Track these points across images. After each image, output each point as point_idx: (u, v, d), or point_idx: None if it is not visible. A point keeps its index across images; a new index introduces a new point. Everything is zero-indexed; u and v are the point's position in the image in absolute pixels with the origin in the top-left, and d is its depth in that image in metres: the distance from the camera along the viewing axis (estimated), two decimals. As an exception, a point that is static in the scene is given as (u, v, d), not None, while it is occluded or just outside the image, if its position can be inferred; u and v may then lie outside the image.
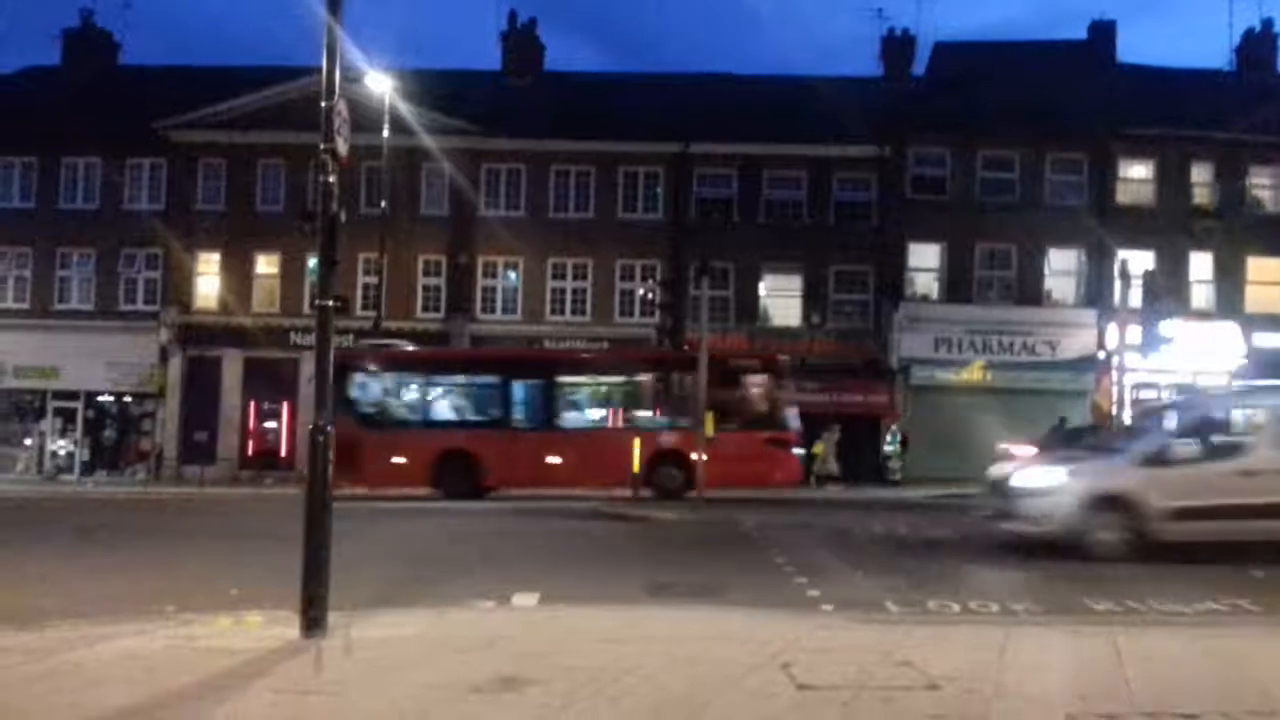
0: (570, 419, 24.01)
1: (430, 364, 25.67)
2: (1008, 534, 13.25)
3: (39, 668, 6.38)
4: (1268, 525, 12.14)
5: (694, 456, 20.89)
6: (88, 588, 10.22)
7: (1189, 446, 12.65)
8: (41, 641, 7.14)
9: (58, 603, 9.00)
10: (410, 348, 25.93)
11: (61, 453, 32.78)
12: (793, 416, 23.51)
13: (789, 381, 24.13)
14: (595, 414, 24.49)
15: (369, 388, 24.42)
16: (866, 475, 28.94)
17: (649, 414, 23.88)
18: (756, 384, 23.49)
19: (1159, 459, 12.60)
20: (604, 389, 24.81)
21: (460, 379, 25.14)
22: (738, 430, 22.16)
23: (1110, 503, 12.30)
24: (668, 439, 22.74)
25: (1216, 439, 12.99)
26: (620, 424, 23.86)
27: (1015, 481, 13.62)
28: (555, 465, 22.75)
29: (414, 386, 24.84)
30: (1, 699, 5.67)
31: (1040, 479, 13.14)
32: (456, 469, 22.80)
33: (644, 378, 24.33)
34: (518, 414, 24.13)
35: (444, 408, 24.79)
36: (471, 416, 24.45)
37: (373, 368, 24.58)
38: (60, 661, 6.53)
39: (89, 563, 12.19)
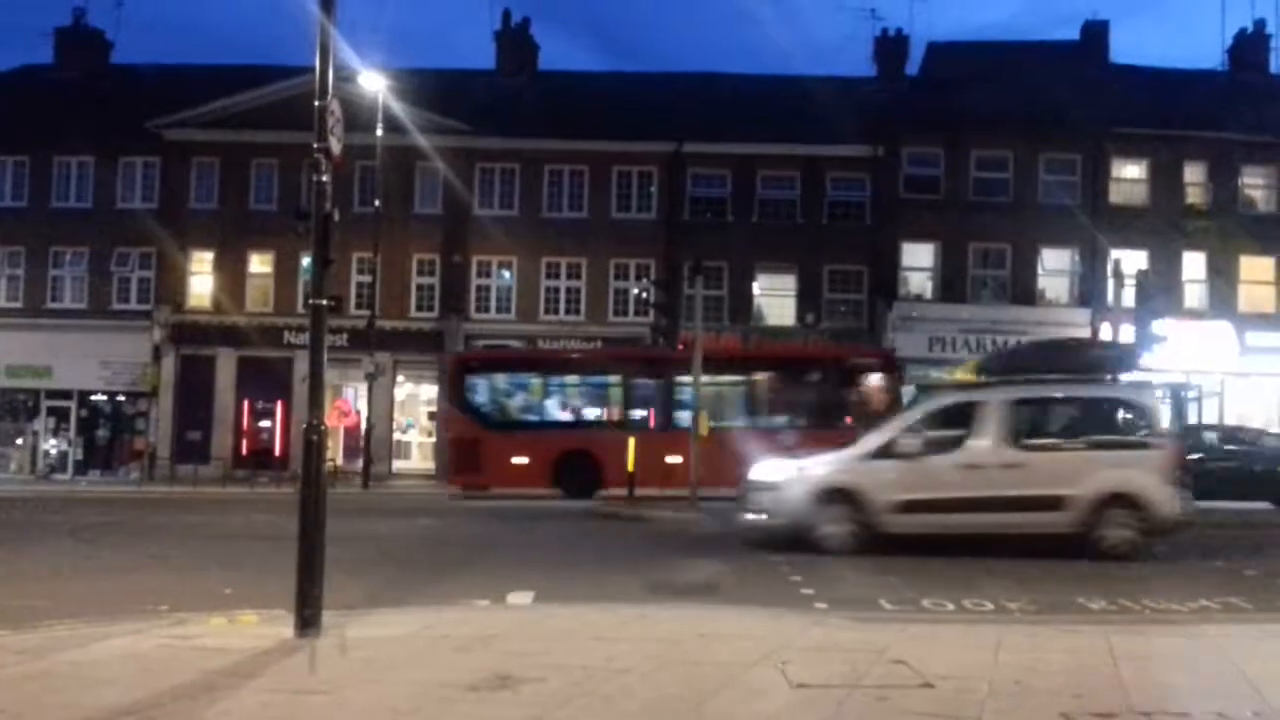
0: (690, 419, 23.95)
1: (550, 364, 25.72)
2: (746, 526, 13.46)
3: (33, 668, 6.36)
4: (990, 518, 12.36)
5: None
6: (82, 587, 10.21)
7: (913, 440, 12.87)
8: (35, 641, 7.13)
9: (51, 602, 8.99)
10: (517, 346, 25.97)
11: (54, 452, 32.70)
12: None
13: (903, 376, 24.23)
14: (717, 414, 24.08)
15: (490, 389, 24.59)
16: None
17: (770, 413, 23.88)
18: (873, 381, 23.60)
19: (885, 452, 12.84)
20: (724, 389, 24.67)
21: (580, 379, 25.15)
22: (855, 428, 22.19)
23: (837, 495, 12.57)
24: (787, 439, 22.71)
25: (941, 433, 13.17)
26: (738, 424, 23.66)
27: (752, 475, 13.81)
28: (675, 465, 22.44)
29: (534, 387, 24.89)
30: (-5, 699, 5.65)
31: (773, 472, 13.37)
32: (577, 469, 22.90)
33: (762, 377, 24.26)
34: (638, 414, 24.19)
35: (564, 408, 24.82)
36: (592, 417, 24.55)
37: (493, 369, 24.68)
38: (54, 661, 6.52)
39: (83, 562, 12.16)
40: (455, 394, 24.85)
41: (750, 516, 13.40)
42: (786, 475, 13.16)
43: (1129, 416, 13.27)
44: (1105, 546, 12.26)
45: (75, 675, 6.20)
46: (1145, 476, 12.50)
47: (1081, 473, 12.52)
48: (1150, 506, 12.39)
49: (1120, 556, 12.09)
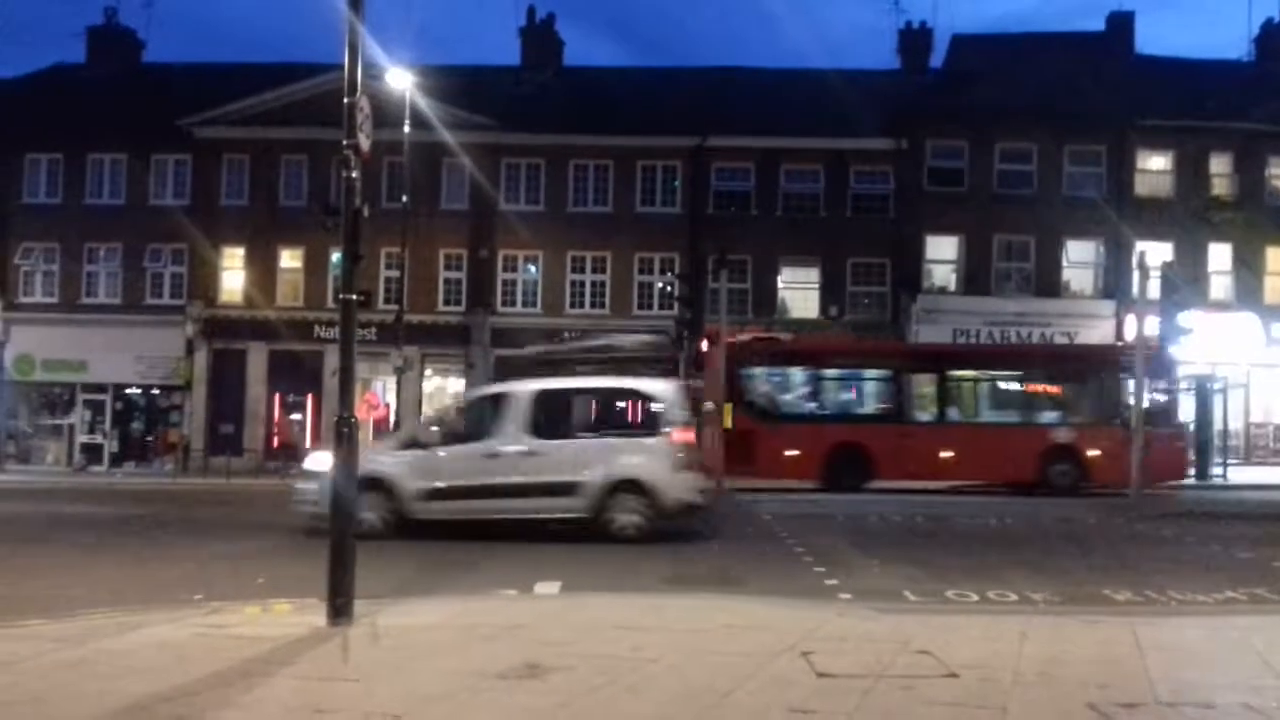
0: (962, 414, 23.96)
1: (821, 356, 25.39)
2: (301, 514, 13.52)
3: (70, 655, 6.49)
4: (509, 504, 13.11)
5: (1089, 453, 21.72)
6: (117, 577, 10.37)
7: (440, 431, 13.71)
8: (73, 630, 7.26)
9: (88, 592, 9.15)
10: (786, 339, 26.08)
11: (90, 444, 33.11)
12: (1178, 410, 23.87)
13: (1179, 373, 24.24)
14: (987, 409, 24.36)
15: (761, 381, 24.54)
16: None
17: (1043, 410, 23.89)
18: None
19: (415, 443, 13.64)
20: (996, 384, 24.81)
21: (851, 372, 25.05)
22: (1122, 426, 21.99)
23: (372, 484, 12.73)
24: (1060, 435, 22.78)
25: (470, 423, 13.92)
26: (1013, 419, 23.74)
27: (305, 464, 14.35)
28: (947, 459, 22.66)
29: (806, 379, 24.76)
30: (33, 686, 5.77)
31: (319, 462, 13.49)
32: (848, 462, 22.81)
33: (1033, 373, 24.40)
34: (909, 407, 24.03)
35: (835, 401, 24.74)
36: (862, 410, 24.44)
37: (764, 361, 24.63)
38: (91, 650, 6.65)
39: (118, 552, 12.33)
40: (728, 389, 24.57)
41: (301, 507, 13.52)
42: (326, 465, 13.44)
43: (646, 407, 14.02)
44: (614, 529, 12.98)
45: (111, 663, 6.32)
46: (653, 463, 13.19)
47: (593, 460, 13.22)
48: (656, 492, 13.07)
49: (628, 539, 12.72)
